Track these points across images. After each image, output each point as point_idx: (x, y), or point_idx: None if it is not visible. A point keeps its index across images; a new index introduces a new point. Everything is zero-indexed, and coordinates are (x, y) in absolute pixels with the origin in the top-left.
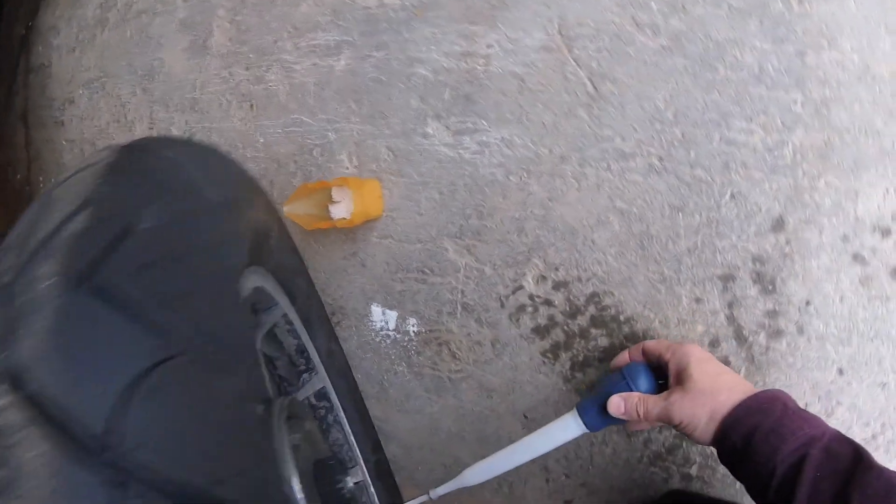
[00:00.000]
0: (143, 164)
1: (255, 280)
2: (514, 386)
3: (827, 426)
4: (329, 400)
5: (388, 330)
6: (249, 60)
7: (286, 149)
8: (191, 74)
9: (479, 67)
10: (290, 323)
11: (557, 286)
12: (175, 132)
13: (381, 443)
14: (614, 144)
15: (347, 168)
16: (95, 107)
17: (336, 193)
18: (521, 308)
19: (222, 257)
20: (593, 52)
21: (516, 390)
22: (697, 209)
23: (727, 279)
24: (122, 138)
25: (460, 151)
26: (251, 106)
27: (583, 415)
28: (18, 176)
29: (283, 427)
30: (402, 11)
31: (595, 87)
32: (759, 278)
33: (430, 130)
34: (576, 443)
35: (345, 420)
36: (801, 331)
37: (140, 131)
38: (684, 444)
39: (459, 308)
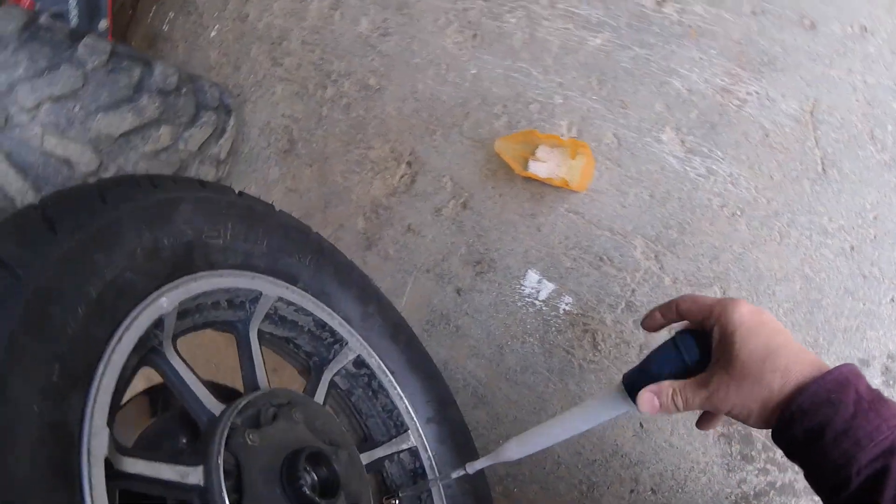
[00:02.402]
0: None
1: (196, 287)
2: None
3: None
4: (368, 367)
5: (536, 299)
6: None
7: (500, 90)
8: None
9: (732, 106)
10: (291, 304)
11: None
12: (364, 23)
13: (471, 404)
14: (821, 220)
15: (563, 135)
16: None
17: (542, 153)
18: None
19: None
20: (832, 140)
21: None
22: (864, 299)
23: (863, 364)
24: (287, 4)
25: (687, 168)
26: (474, 35)
27: (629, 390)
28: None
29: (224, 434)
30: (677, 26)
31: (823, 169)
32: (886, 371)
33: (664, 137)
34: (675, 463)
35: (393, 384)
36: None
37: (315, 7)
38: (771, 493)
39: (623, 304)
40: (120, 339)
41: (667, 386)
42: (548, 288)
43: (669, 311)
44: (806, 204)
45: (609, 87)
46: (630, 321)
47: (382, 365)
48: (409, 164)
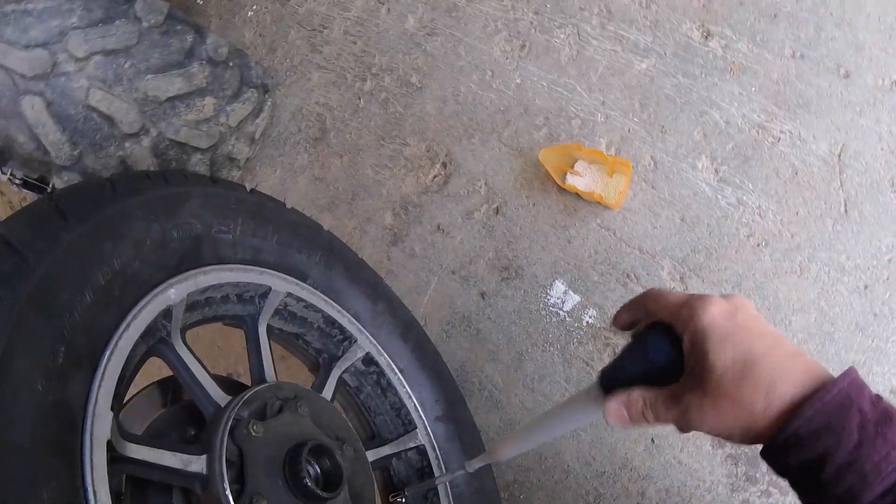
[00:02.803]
0: None
1: (205, 280)
2: None
3: None
4: (377, 365)
5: (560, 309)
6: (542, 7)
7: (543, 103)
8: None
9: (766, 141)
10: (301, 300)
11: None
12: (411, 21)
13: (486, 408)
14: (839, 258)
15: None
16: None
17: (580, 167)
18: None
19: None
20: (856, 183)
21: None
22: (873, 336)
23: None
24: None
25: (718, 196)
26: (522, 46)
27: (605, 388)
28: None
29: (227, 424)
30: (720, 60)
31: (846, 210)
32: None
33: (699, 165)
34: (682, 480)
35: (402, 382)
36: None
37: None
38: None
39: None
40: (127, 326)
41: (636, 396)
42: (573, 299)
43: (638, 308)
44: (827, 241)
45: (650, 111)
46: None
47: (392, 363)
48: (444, 164)
